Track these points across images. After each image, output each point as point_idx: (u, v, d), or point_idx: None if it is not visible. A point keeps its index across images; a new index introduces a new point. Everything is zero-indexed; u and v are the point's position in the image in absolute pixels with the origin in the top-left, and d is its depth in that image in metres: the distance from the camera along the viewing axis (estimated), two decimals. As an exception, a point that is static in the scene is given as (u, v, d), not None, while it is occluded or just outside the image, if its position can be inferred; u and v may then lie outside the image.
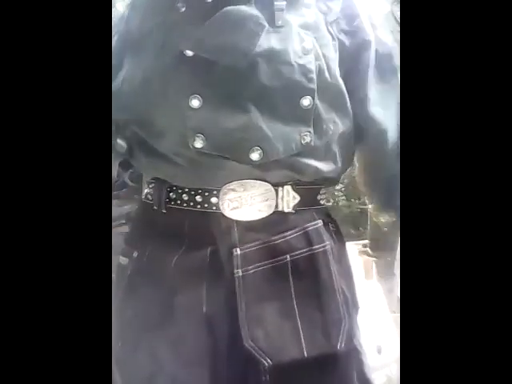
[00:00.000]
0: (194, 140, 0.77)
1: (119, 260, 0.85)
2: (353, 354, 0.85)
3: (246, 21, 0.77)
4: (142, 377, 0.76)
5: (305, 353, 0.77)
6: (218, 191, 0.79)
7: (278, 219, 0.82)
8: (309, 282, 0.80)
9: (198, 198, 0.80)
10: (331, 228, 0.93)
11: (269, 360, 0.75)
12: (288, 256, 0.81)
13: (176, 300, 0.78)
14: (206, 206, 0.80)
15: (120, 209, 3.92)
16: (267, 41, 0.78)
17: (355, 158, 1.20)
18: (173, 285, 0.79)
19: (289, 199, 0.80)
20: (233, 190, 0.78)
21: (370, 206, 1.39)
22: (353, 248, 4.04)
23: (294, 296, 0.79)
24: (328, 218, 0.94)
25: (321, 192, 0.90)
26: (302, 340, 0.77)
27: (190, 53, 0.78)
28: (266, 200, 0.79)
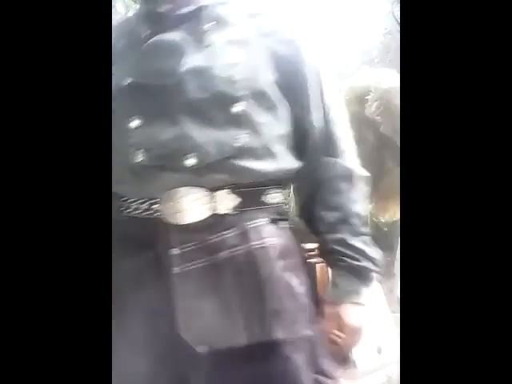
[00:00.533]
0: (135, 155, 0.89)
1: None
2: (299, 343, 0.89)
3: (170, 46, 0.91)
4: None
5: (240, 341, 0.83)
6: (160, 199, 0.89)
7: (216, 221, 0.89)
8: (248, 277, 0.87)
9: (144, 206, 0.91)
10: (281, 226, 0.98)
11: (203, 347, 0.83)
12: (224, 253, 0.88)
13: (129, 298, 0.88)
14: (149, 212, 0.90)
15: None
16: (193, 60, 0.90)
17: None
18: (124, 284, 0.89)
19: (227, 202, 0.88)
20: (172, 196, 0.88)
21: (369, 206, 1.39)
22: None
23: (231, 289, 0.86)
24: (279, 216, 0.98)
25: (267, 192, 0.95)
26: (238, 328, 0.84)
27: (128, 79, 0.92)
28: (203, 204, 0.87)
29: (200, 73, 0.89)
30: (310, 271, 1.12)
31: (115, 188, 0.88)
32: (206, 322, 0.85)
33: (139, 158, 0.89)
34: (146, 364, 0.86)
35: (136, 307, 0.89)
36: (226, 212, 0.90)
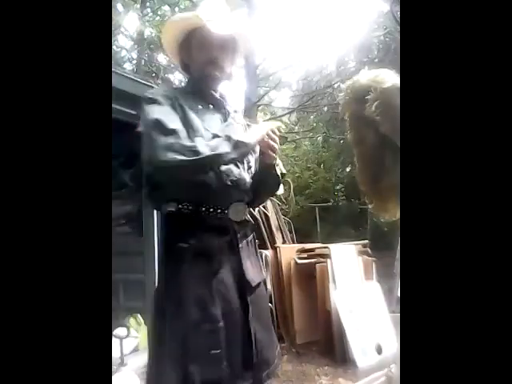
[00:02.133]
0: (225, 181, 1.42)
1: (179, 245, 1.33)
2: None
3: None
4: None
5: (261, 275, 1.53)
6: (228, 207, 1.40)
7: (246, 221, 1.49)
8: (254, 246, 1.56)
9: (219, 211, 1.38)
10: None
11: (254, 282, 1.41)
12: (249, 237, 1.48)
13: (221, 260, 1.35)
14: (224, 214, 1.40)
15: (120, 209, 3.92)
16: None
17: (355, 159, 1.19)
18: (216, 253, 1.36)
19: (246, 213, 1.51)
20: (234, 206, 1.41)
21: (369, 206, 1.39)
22: (353, 248, 4.04)
23: (255, 252, 1.55)
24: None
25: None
26: (258, 268, 1.52)
27: None
28: (244, 213, 1.47)
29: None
30: (309, 271, 1.17)
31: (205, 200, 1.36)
32: (253, 269, 1.44)
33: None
34: (231, 291, 1.36)
35: (223, 266, 1.35)
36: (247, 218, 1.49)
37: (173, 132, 1.24)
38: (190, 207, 1.31)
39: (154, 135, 1.25)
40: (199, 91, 1.44)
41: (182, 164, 1.20)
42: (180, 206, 1.31)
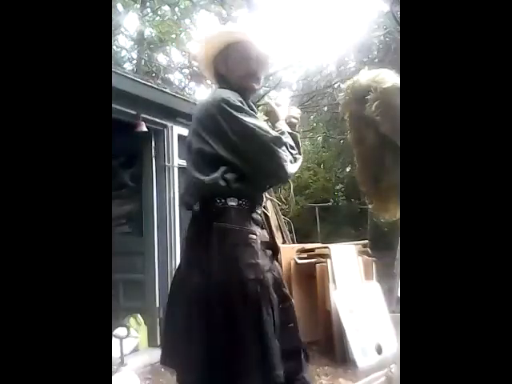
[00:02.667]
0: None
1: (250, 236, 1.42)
2: None
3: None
4: None
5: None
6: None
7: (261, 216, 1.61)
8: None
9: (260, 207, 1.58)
10: None
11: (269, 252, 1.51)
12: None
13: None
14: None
15: (120, 209, 3.91)
16: None
17: (355, 159, 1.19)
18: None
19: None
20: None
21: (370, 206, 1.39)
22: (353, 248, 4.04)
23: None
24: None
25: None
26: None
27: None
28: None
29: None
30: (310, 271, 1.17)
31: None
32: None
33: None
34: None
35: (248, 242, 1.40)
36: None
37: (284, 144, 1.42)
38: (248, 203, 1.42)
39: (276, 151, 1.39)
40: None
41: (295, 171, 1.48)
42: (240, 202, 1.40)
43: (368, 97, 1.27)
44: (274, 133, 1.41)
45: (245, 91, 1.52)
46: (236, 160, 1.37)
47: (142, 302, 3.45)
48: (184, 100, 3.75)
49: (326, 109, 8.65)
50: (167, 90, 3.78)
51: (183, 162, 3.47)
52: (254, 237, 1.39)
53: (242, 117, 1.38)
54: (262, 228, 1.49)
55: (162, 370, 3.01)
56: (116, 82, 2.69)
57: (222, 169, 1.36)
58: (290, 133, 1.53)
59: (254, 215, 1.44)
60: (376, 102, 1.25)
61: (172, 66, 8.85)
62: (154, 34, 8.19)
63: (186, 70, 8.82)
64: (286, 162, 1.39)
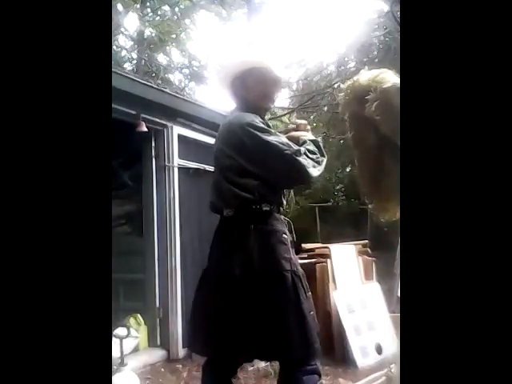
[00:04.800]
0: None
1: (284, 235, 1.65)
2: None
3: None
4: None
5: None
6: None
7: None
8: None
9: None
10: None
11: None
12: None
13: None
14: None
15: (120, 209, 3.91)
16: None
17: (355, 158, 1.19)
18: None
19: None
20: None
21: (369, 206, 1.39)
22: (353, 248, 4.04)
23: None
24: None
25: None
26: None
27: None
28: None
29: None
30: (310, 271, 1.19)
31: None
32: None
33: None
34: None
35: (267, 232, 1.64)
36: None
37: (303, 153, 1.60)
38: (277, 207, 1.67)
39: (296, 161, 1.56)
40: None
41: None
42: (272, 207, 1.63)
43: (368, 97, 1.27)
44: (293, 146, 1.60)
45: (261, 110, 1.74)
46: (264, 172, 1.59)
47: (142, 302, 3.45)
48: (184, 100, 3.74)
49: (326, 109, 8.64)
50: (167, 90, 3.77)
51: (183, 162, 3.47)
52: (286, 236, 1.63)
53: (266, 137, 1.58)
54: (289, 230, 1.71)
55: (162, 369, 3.02)
56: (116, 82, 2.69)
57: (253, 181, 1.58)
58: (312, 140, 1.73)
59: (282, 218, 1.68)
60: (376, 102, 1.25)
61: (172, 65, 8.85)
62: (154, 34, 8.20)
63: (186, 70, 8.83)
64: (308, 167, 1.58)
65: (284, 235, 1.62)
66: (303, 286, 1.58)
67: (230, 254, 1.59)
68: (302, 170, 1.57)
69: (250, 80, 1.71)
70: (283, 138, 1.63)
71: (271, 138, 1.57)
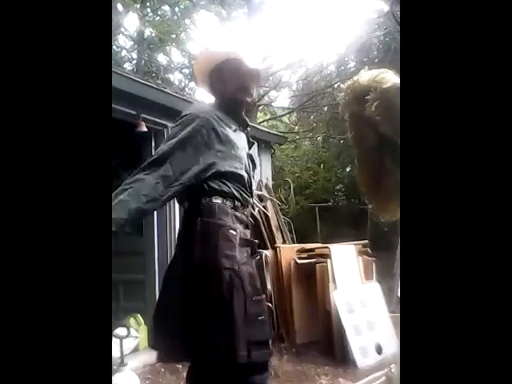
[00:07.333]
0: None
1: None
2: None
3: None
4: None
5: None
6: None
7: None
8: None
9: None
10: None
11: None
12: None
13: None
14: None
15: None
16: None
17: (355, 158, 1.19)
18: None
19: None
20: None
21: (369, 206, 1.39)
22: (353, 248, 4.05)
23: None
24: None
25: None
26: None
27: None
28: None
29: None
30: (309, 271, 1.18)
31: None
32: None
33: None
34: None
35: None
36: None
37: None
38: (231, 203, 1.58)
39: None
40: (232, 113, 1.67)
41: None
42: (224, 201, 1.55)
43: (368, 97, 1.27)
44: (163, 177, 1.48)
45: (239, 105, 1.70)
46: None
47: (142, 302, 3.45)
48: (184, 100, 3.74)
49: (326, 109, 8.65)
50: (167, 90, 3.77)
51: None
52: (234, 232, 1.52)
53: (177, 128, 1.55)
54: (247, 227, 1.62)
55: (162, 369, 3.02)
56: (116, 82, 2.69)
57: (204, 174, 1.51)
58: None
59: (238, 214, 1.58)
60: (376, 102, 1.25)
61: (172, 65, 8.85)
62: (154, 34, 8.20)
63: (186, 70, 8.82)
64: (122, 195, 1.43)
65: (231, 231, 1.51)
66: (245, 288, 1.47)
67: (180, 250, 1.57)
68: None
69: (226, 72, 1.67)
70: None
71: (181, 133, 1.50)
